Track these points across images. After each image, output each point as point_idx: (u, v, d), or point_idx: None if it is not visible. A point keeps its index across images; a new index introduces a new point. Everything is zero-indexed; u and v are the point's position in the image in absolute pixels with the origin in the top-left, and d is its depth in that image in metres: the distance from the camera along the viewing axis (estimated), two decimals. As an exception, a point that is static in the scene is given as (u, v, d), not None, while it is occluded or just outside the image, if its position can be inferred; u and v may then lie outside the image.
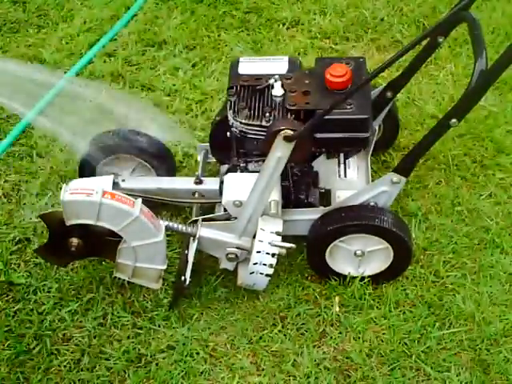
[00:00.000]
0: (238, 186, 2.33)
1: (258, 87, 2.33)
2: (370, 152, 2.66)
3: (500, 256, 2.58)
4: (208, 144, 2.67)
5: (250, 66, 2.42)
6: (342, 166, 2.59)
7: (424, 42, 2.34)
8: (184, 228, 2.34)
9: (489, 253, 2.59)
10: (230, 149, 2.43)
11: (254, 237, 2.29)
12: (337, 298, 2.45)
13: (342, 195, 2.50)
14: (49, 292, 2.49)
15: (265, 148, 2.20)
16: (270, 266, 2.29)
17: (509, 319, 2.39)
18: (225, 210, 2.33)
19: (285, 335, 2.37)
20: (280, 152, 2.18)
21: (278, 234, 2.28)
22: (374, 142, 2.64)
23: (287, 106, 2.24)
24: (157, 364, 2.31)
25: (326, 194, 2.55)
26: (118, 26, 3.62)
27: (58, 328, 2.40)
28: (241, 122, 2.29)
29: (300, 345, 2.34)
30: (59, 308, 2.45)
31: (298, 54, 3.44)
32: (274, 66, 2.41)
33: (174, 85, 3.29)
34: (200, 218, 2.38)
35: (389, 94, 2.56)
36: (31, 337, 2.37)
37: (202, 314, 2.43)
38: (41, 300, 2.47)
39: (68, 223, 2.19)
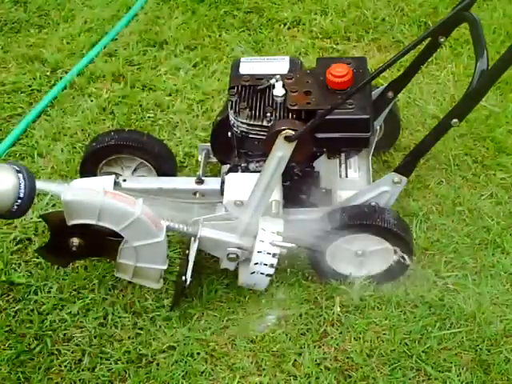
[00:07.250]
0: (239, 186, 2.32)
1: (259, 87, 2.33)
2: (371, 152, 2.66)
3: (501, 256, 2.58)
4: (209, 144, 2.67)
5: (251, 66, 2.41)
6: (343, 166, 2.59)
7: (425, 42, 2.34)
8: (185, 228, 2.34)
9: (490, 253, 2.59)
10: (231, 149, 2.43)
11: (255, 237, 2.29)
12: (338, 298, 2.45)
13: (344, 195, 2.50)
14: (49, 292, 2.49)
15: (266, 148, 2.20)
16: (271, 265, 2.29)
17: (510, 319, 2.39)
18: (226, 209, 2.33)
19: (286, 335, 2.37)
20: (281, 152, 2.17)
21: (278, 233, 2.28)
22: (375, 142, 2.64)
23: (288, 106, 2.24)
24: (157, 364, 2.31)
25: (326, 194, 2.54)
26: (119, 26, 3.62)
27: (58, 328, 2.40)
28: (242, 122, 2.29)
29: (301, 345, 2.34)
30: (60, 308, 2.45)
31: (299, 54, 3.44)
32: (275, 66, 2.40)
33: (175, 85, 3.29)
34: (201, 217, 2.37)
35: (390, 94, 2.55)
36: (32, 337, 2.37)
37: (202, 314, 2.43)
38: (41, 300, 2.47)
39: (69, 223, 2.18)
